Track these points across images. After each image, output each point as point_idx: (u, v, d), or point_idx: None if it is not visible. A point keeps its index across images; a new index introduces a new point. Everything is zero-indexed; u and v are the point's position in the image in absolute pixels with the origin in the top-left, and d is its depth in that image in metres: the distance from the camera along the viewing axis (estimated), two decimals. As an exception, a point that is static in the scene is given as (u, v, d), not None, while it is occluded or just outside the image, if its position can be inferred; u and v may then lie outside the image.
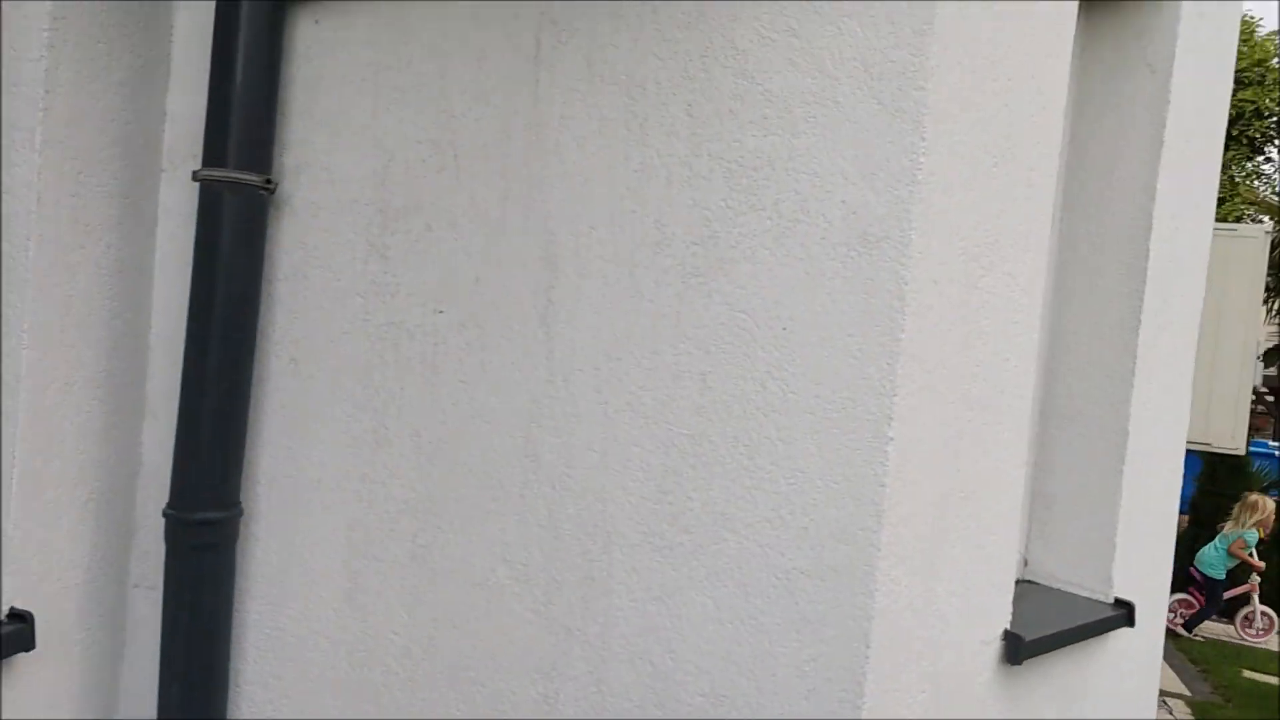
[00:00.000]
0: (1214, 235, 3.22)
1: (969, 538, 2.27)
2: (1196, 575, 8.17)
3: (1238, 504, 8.18)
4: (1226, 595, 8.08)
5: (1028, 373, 2.45)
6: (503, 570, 2.20)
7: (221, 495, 2.21)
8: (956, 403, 2.20)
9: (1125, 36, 2.79)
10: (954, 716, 2.30)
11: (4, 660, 2.21)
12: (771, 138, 2.05)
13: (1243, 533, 7.95)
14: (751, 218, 2.07)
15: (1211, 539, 8.77)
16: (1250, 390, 4.46)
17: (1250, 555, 7.94)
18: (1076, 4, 2.39)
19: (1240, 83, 18.61)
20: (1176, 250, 2.91)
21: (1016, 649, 2.42)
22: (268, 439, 2.35)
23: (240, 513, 2.29)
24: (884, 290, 2.02)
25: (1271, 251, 10.99)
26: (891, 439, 2.01)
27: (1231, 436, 4.36)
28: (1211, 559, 8.14)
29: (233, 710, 2.36)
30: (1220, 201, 17.37)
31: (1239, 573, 8.08)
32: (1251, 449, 10.02)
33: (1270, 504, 8.09)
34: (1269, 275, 11.65)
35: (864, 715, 2.03)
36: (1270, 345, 13.67)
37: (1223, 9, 2.99)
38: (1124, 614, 2.87)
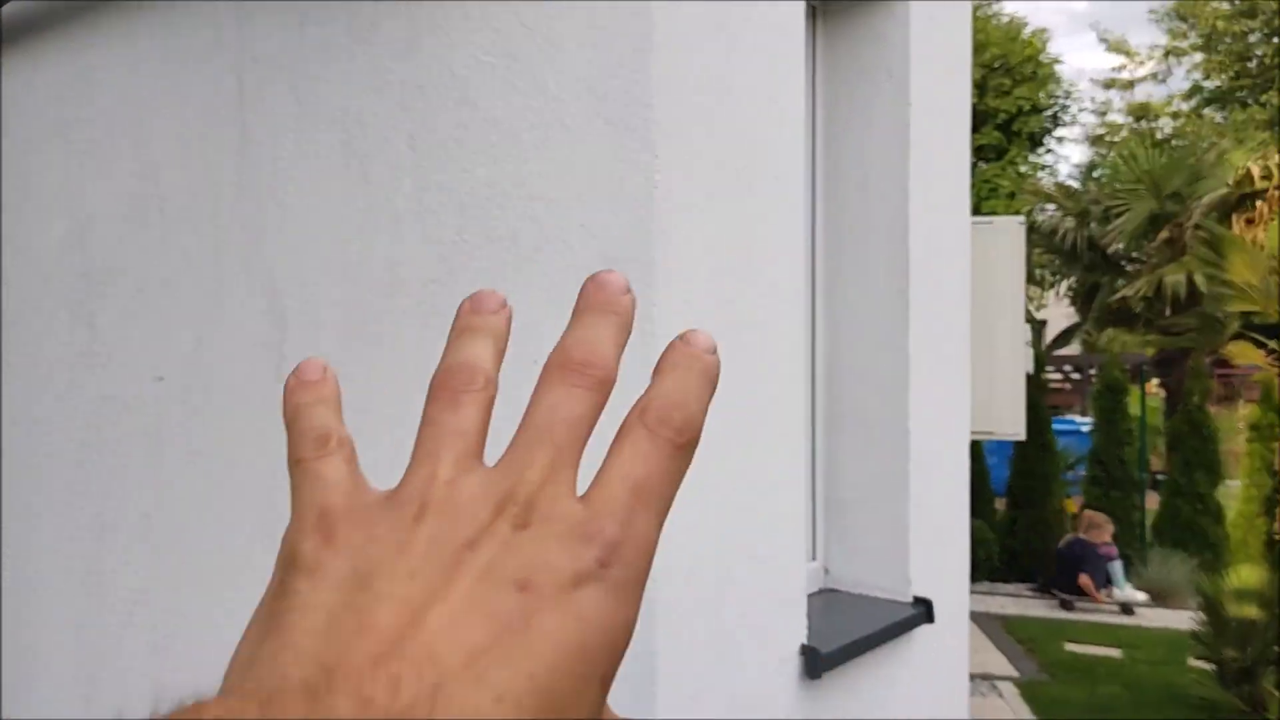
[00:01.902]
0: (973, 229, 3.31)
1: (754, 555, 2.22)
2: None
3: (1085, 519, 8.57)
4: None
5: (799, 382, 2.43)
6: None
7: (-79, 610, 1.97)
8: (725, 421, 2.15)
9: (862, 43, 2.84)
10: (758, 741, 2.24)
11: None
12: (501, 165, 1.97)
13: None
14: (488, 250, 1.97)
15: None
16: (1024, 376, 4.64)
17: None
18: (803, 15, 2.39)
19: (1016, 80, 19.70)
20: (937, 246, 2.97)
21: (815, 663, 2.38)
22: (-25, 539, 2.11)
23: (-53, 626, 2.05)
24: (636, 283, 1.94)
25: (1053, 236, 11.65)
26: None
27: (1012, 423, 4.52)
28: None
29: None
30: (1010, 195, 18.32)
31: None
32: (1057, 426, 10.52)
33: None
34: (1057, 258, 12.35)
35: (660, 754, 1.95)
36: (1068, 325, 14.48)
37: (953, 11, 3.08)
38: (923, 611, 2.88)
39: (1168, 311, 10.37)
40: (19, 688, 2.13)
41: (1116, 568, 8.34)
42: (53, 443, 2.07)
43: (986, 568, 8.80)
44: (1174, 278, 9.82)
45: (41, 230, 2.07)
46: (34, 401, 2.07)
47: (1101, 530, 8.40)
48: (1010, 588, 8.99)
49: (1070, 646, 7.23)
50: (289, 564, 0.32)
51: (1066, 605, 8.40)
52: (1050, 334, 16.50)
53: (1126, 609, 8.19)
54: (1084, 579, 8.30)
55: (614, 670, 0.30)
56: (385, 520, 0.33)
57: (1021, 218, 4.48)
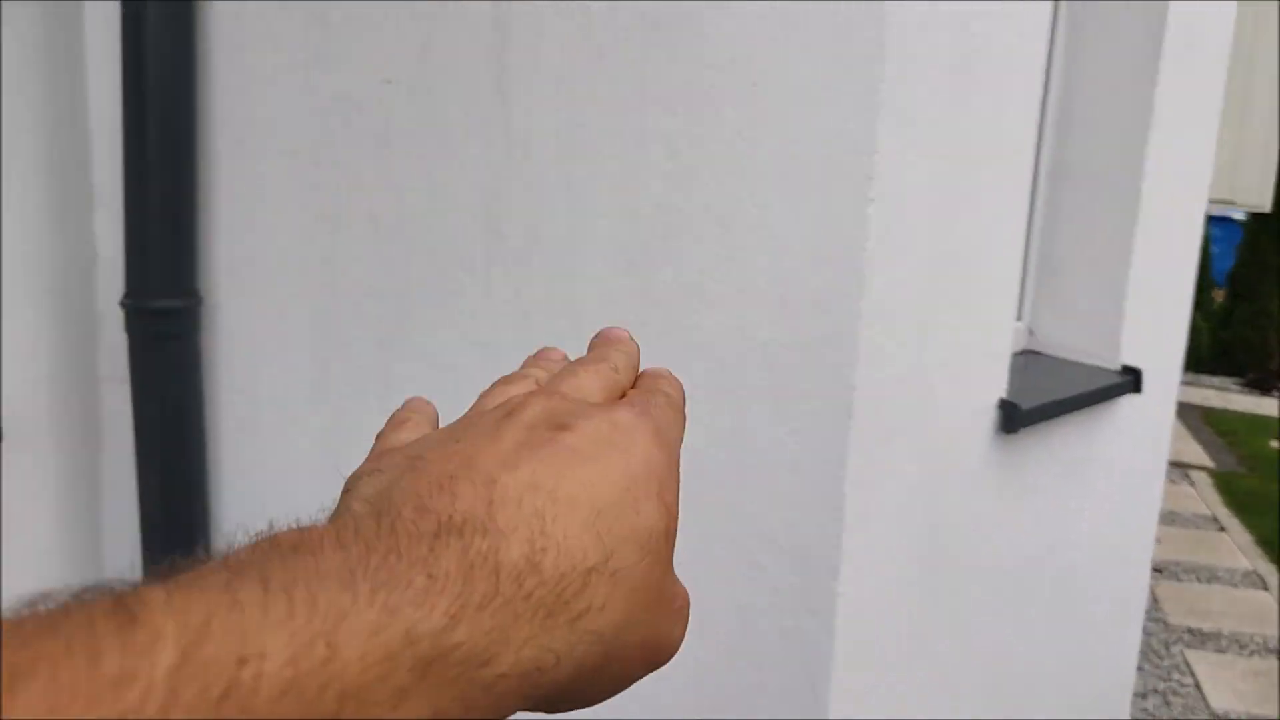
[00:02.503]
0: (1249, -29, 2.95)
1: (961, 304, 2.16)
2: None
3: None
4: None
5: (1028, 126, 2.28)
6: (470, 354, 2.13)
7: (177, 283, 2.14)
8: (947, 159, 2.05)
9: None
10: (947, 487, 2.25)
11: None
12: None
13: None
14: (713, -36, 1.87)
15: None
16: (1278, 142, 4.17)
17: None
18: None
19: None
20: (1203, -14, 2.67)
21: (1012, 417, 2.35)
22: (222, 224, 2.26)
23: (199, 301, 2.23)
24: (862, 38, 1.84)
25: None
26: (873, 200, 1.88)
27: (1258, 193, 4.09)
28: None
29: (213, 497, 2.37)
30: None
31: None
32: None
33: None
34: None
35: (847, 488, 1.98)
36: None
37: None
38: (1130, 381, 2.78)
39: None
40: (255, 364, 2.34)
41: None
42: (289, 139, 2.17)
43: (1193, 357, 8.38)
44: None
45: (277, -76, 2.10)
46: (273, 98, 2.15)
47: None
48: (1216, 380, 8.59)
49: (1276, 444, 6.92)
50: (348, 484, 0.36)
51: None
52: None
53: None
54: None
55: (667, 491, 0.33)
56: (434, 432, 0.39)
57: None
